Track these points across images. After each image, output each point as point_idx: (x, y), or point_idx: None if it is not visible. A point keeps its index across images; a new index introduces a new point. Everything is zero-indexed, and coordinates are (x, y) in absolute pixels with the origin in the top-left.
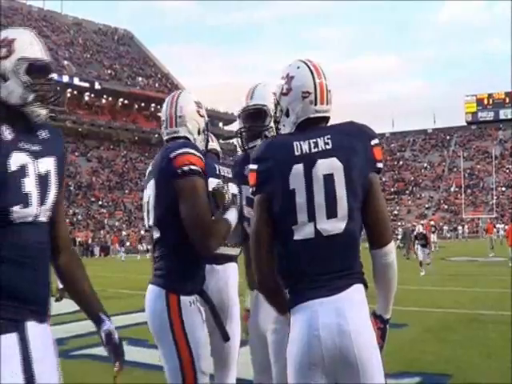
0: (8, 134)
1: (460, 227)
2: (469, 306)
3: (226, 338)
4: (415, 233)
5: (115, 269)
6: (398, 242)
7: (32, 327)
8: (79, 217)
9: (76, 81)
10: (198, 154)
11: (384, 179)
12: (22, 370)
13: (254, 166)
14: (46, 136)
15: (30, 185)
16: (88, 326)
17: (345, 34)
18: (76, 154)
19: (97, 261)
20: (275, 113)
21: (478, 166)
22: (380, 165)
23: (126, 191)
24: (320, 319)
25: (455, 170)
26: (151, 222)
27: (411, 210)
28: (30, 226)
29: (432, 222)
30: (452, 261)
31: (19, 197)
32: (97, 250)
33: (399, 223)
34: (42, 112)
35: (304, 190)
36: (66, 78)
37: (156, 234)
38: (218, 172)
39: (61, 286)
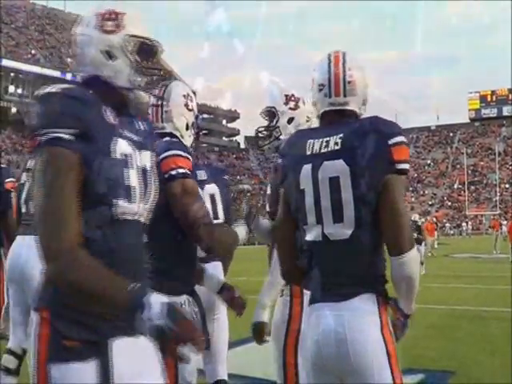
0: (112, 118)
1: (464, 224)
2: (472, 303)
3: (207, 346)
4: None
5: None
6: None
7: (119, 345)
8: None
9: (79, 78)
10: (183, 154)
11: None
12: None
13: (279, 161)
14: (145, 127)
15: (133, 178)
16: None
17: (347, 30)
18: None
19: None
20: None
21: (482, 163)
22: (401, 166)
23: None
24: (321, 325)
25: (458, 166)
26: None
27: (414, 207)
28: (131, 225)
29: (434, 219)
30: (455, 257)
31: (123, 189)
32: None
33: None
34: (146, 99)
35: (312, 191)
36: (69, 76)
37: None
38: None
39: None
